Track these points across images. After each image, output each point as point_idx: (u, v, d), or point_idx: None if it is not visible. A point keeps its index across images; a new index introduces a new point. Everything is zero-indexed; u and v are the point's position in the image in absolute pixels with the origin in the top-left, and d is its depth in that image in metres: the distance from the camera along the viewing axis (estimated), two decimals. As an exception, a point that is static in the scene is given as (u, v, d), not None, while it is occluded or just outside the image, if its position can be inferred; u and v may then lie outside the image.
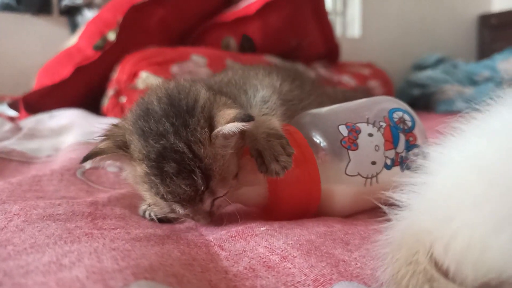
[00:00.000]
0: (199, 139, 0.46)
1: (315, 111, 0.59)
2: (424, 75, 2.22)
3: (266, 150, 0.49)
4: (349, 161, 0.52)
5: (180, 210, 0.48)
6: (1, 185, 0.62)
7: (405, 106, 0.60)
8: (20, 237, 0.40)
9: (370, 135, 0.54)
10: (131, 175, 0.50)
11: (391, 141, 0.55)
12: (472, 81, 2.11)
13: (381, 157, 0.54)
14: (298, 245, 0.40)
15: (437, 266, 0.31)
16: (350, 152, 0.52)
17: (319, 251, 0.39)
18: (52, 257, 0.34)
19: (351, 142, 0.53)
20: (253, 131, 0.51)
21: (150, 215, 0.55)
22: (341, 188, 0.53)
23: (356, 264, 0.37)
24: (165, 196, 0.46)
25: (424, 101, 2.12)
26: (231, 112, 0.47)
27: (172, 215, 0.51)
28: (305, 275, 0.36)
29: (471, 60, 2.57)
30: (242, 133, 0.49)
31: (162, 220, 0.54)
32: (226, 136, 0.47)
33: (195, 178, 0.45)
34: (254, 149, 0.50)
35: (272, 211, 0.54)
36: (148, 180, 0.47)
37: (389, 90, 2.02)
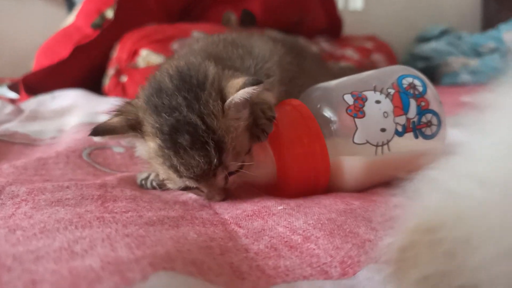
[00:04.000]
0: (212, 111, 0.46)
1: (323, 85, 0.58)
2: (428, 48, 2.18)
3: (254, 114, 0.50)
4: (356, 129, 0.51)
5: (194, 185, 0.48)
6: (6, 168, 0.61)
7: (415, 71, 0.58)
8: (29, 222, 0.38)
9: (378, 102, 0.52)
10: (145, 151, 0.50)
11: (401, 107, 0.53)
12: (477, 53, 2.07)
13: (391, 123, 0.52)
14: (320, 225, 0.39)
15: None
16: (356, 120, 0.51)
17: (343, 231, 0.37)
18: (63, 243, 0.33)
19: (357, 110, 0.52)
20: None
21: (152, 184, 0.56)
22: (351, 160, 0.51)
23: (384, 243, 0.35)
24: (178, 169, 0.46)
25: (428, 74, 2.06)
26: (239, 81, 0.47)
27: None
28: (331, 256, 0.34)
29: (475, 31, 2.51)
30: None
31: (162, 187, 0.55)
32: (238, 107, 0.48)
33: (209, 149, 0.45)
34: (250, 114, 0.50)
35: (282, 189, 0.52)
36: (161, 154, 0.47)
37: (392, 63, 1.98)
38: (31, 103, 1.24)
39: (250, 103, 0.50)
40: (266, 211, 0.44)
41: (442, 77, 2.03)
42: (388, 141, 0.52)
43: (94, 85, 1.44)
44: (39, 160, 0.65)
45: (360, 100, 0.52)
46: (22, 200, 0.45)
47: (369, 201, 0.47)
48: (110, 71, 1.42)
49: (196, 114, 0.46)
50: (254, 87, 0.46)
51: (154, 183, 0.57)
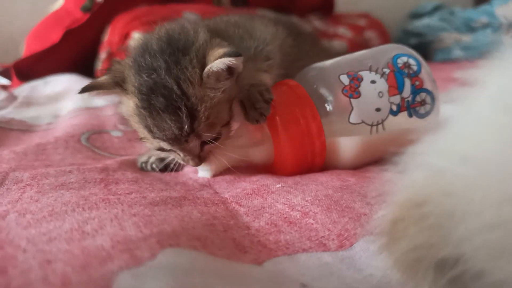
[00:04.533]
0: (188, 77, 0.47)
1: (319, 65, 0.59)
2: (421, 24, 2.17)
3: (245, 99, 0.51)
4: (351, 109, 0.52)
5: (168, 147, 0.49)
6: (6, 154, 0.61)
7: (410, 51, 0.59)
8: (36, 206, 0.39)
9: (373, 82, 0.54)
10: (125, 108, 0.52)
11: (396, 87, 0.54)
12: (470, 28, 2.06)
13: (385, 103, 0.53)
14: (317, 201, 0.41)
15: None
16: (352, 100, 0.52)
17: (339, 206, 0.39)
18: (73, 224, 0.34)
19: (353, 90, 0.53)
20: (243, 84, 0.52)
21: (152, 166, 0.58)
22: (347, 140, 0.53)
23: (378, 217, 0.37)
24: (152, 129, 0.48)
25: (421, 50, 2.06)
26: (221, 50, 0.47)
27: (163, 155, 0.54)
28: (329, 230, 0.36)
29: (468, 6, 2.50)
30: (234, 75, 0.50)
31: (163, 170, 0.57)
32: (217, 77, 0.48)
33: (180, 115, 0.46)
34: (239, 100, 0.51)
35: (279, 168, 0.54)
36: (138, 113, 0.49)
37: (386, 40, 1.98)
38: (23, 89, 1.23)
39: (248, 84, 0.51)
40: (265, 189, 0.46)
41: (434, 53, 2.04)
42: (383, 121, 0.53)
43: (85, 69, 1.43)
44: (38, 146, 0.66)
45: (356, 80, 0.53)
46: (26, 185, 0.47)
47: (363, 177, 0.48)
48: (102, 55, 1.41)
49: (173, 78, 0.47)
50: (231, 58, 0.46)
51: (154, 166, 0.58)
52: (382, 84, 0.54)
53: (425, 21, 2.17)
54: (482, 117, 0.29)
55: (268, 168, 0.56)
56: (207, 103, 0.47)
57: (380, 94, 0.53)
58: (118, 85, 0.50)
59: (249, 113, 0.51)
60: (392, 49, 0.59)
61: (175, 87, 0.46)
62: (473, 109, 0.30)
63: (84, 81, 1.25)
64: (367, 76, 0.54)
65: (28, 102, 1.05)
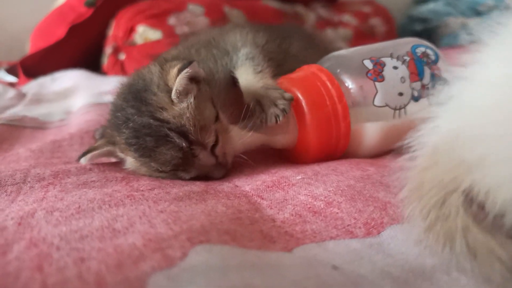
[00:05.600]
0: (158, 106, 0.48)
1: (336, 53, 0.59)
2: (426, 9, 2.15)
3: (264, 98, 0.52)
4: (376, 92, 0.53)
5: (186, 175, 0.50)
6: (23, 152, 0.62)
7: (426, 43, 0.61)
8: (62, 203, 0.40)
9: (395, 67, 0.54)
10: (130, 165, 0.53)
11: (416, 73, 0.55)
12: (476, 12, 2.04)
13: (407, 88, 0.54)
14: (340, 191, 0.41)
15: (471, 208, 0.28)
16: (376, 83, 0.53)
17: (363, 196, 0.39)
18: (103, 222, 0.35)
19: (377, 74, 0.53)
20: (250, 88, 0.54)
21: None
22: (370, 124, 0.53)
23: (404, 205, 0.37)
24: (161, 169, 0.49)
25: (427, 36, 2.06)
26: (174, 70, 0.50)
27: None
28: (355, 218, 0.36)
29: (473, -11, 2.47)
30: (202, 80, 0.52)
31: None
32: (186, 92, 0.50)
33: (172, 139, 0.47)
34: (254, 100, 0.52)
35: (302, 154, 0.54)
36: (140, 163, 0.50)
37: (391, 27, 1.97)
38: (31, 86, 1.23)
39: (255, 88, 0.53)
40: (285, 182, 0.46)
41: (441, 39, 2.02)
42: (405, 105, 0.54)
43: (91, 64, 1.43)
44: (54, 143, 0.67)
45: (379, 65, 0.54)
46: (49, 183, 0.47)
47: (382, 166, 0.48)
48: (108, 50, 1.41)
49: (145, 115, 0.48)
50: (186, 69, 0.49)
51: None
52: (403, 70, 0.54)
53: (430, 6, 2.15)
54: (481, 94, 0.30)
55: (287, 154, 0.56)
56: (187, 114, 0.48)
57: (402, 80, 0.54)
58: (111, 144, 0.53)
59: (268, 110, 0.51)
60: (410, 41, 0.60)
61: (151, 121, 0.48)
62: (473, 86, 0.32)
63: (91, 76, 1.25)
64: (389, 62, 0.55)
65: (37, 99, 1.05)
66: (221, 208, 0.39)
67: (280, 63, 0.66)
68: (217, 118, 0.52)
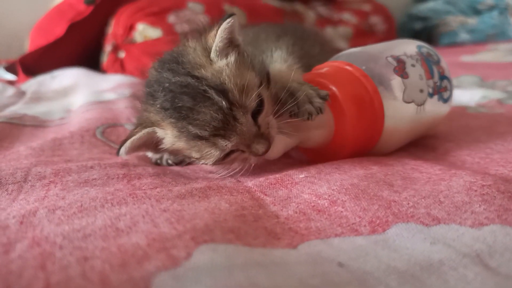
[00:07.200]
0: (196, 64, 0.47)
1: (351, 51, 0.58)
2: (425, 7, 2.15)
3: (300, 91, 0.49)
4: (405, 88, 0.53)
5: (226, 143, 0.45)
6: (23, 150, 0.61)
7: (425, 44, 0.61)
8: (64, 202, 0.39)
9: (413, 65, 0.55)
10: (170, 143, 0.49)
11: (429, 71, 0.56)
12: (475, 10, 2.04)
13: (425, 85, 0.55)
14: (344, 190, 0.40)
15: None
16: (403, 80, 0.53)
17: (367, 194, 0.39)
18: (106, 221, 0.34)
19: (402, 71, 0.54)
20: (281, 79, 0.52)
21: (167, 162, 0.58)
22: (398, 118, 0.53)
23: (408, 203, 0.37)
24: (199, 133, 0.45)
25: (426, 34, 2.06)
26: (215, 28, 0.49)
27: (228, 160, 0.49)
28: (359, 217, 0.36)
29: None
30: (241, 44, 0.51)
31: (178, 164, 0.58)
32: (224, 48, 0.48)
33: (211, 96, 0.45)
34: (287, 92, 0.50)
35: (336, 150, 0.53)
36: (178, 131, 0.46)
37: (390, 25, 1.96)
38: (31, 84, 1.23)
39: (294, 88, 0.50)
40: (288, 179, 0.46)
41: (440, 37, 2.02)
42: (424, 102, 0.54)
43: (91, 62, 1.42)
44: (54, 141, 0.66)
45: (401, 62, 0.54)
46: (50, 182, 0.47)
47: (386, 165, 0.48)
48: (107, 48, 1.40)
49: (182, 74, 0.46)
50: (229, 19, 0.47)
51: (169, 161, 0.58)
52: (420, 68, 0.55)
53: (429, 5, 2.15)
54: None
55: (313, 153, 0.56)
56: (227, 71, 0.46)
57: (421, 77, 0.54)
58: (146, 127, 0.49)
59: (302, 106, 0.48)
60: (412, 41, 0.60)
61: (188, 78, 0.45)
62: None
63: (91, 75, 1.24)
64: (407, 60, 0.55)
65: (37, 98, 1.05)
66: (224, 205, 0.38)
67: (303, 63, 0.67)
68: (260, 84, 0.48)
